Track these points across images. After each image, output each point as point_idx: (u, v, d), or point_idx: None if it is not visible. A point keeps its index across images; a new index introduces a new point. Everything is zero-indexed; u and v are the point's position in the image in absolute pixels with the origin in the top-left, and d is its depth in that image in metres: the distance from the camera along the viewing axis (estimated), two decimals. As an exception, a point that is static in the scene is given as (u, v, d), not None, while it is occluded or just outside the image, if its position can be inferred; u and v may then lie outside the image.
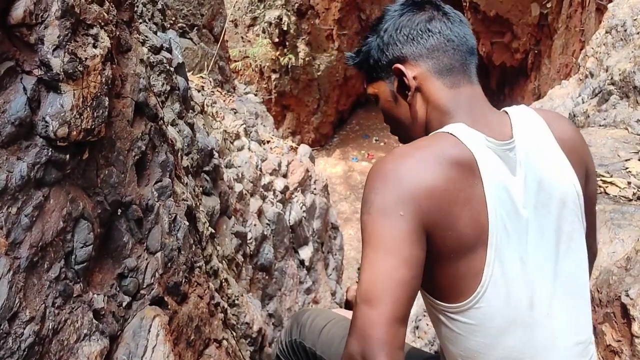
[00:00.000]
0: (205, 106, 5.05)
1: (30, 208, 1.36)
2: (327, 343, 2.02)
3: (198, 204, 3.07)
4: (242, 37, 19.30)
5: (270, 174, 6.38)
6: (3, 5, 1.28)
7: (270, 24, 18.86)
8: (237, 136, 5.86)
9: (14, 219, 1.31)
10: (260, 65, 19.28)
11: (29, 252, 1.35)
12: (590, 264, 1.46)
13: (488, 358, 1.25)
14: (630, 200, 2.20)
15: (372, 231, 1.16)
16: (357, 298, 1.15)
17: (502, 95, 22.80)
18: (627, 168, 2.39)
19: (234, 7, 17.62)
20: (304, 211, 7.11)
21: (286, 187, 6.68)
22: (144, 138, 1.92)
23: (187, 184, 2.64)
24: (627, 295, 1.69)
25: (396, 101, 1.43)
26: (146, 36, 3.02)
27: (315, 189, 7.60)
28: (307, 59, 20.32)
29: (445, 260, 1.21)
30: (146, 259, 1.93)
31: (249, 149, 5.99)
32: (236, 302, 3.39)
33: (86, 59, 1.46)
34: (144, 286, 1.91)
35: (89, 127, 1.49)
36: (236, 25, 19.05)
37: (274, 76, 19.67)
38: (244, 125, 6.21)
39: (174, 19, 6.33)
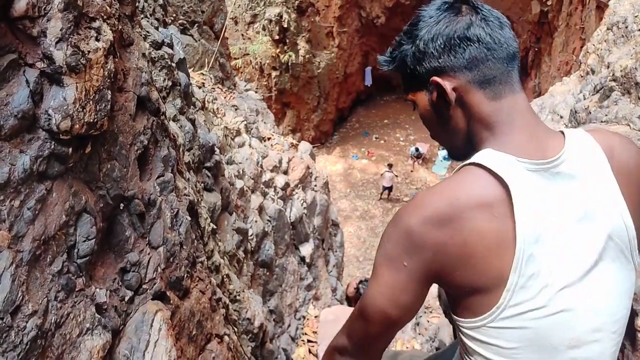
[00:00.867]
0: (206, 102, 5.04)
1: (33, 201, 1.36)
2: None
3: (200, 199, 3.07)
4: (242, 35, 19.28)
5: (271, 171, 6.37)
6: (6, -3, 1.28)
7: (270, 21, 18.84)
8: (238, 133, 5.85)
9: (16, 212, 1.30)
10: (261, 62, 19.26)
11: (32, 246, 1.34)
12: None
13: None
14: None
15: (378, 265, 1.26)
16: (359, 304, 1.33)
17: (503, 93, 22.83)
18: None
19: (234, 4, 17.60)
20: (304, 208, 7.11)
21: (287, 184, 6.67)
22: (146, 132, 1.91)
23: (188, 179, 2.64)
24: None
25: (436, 111, 1.37)
26: (148, 31, 3.02)
27: (315, 185, 7.60)
28: (307, 56, 20.31)
29: (463, 293, 1.21)
30: (148, 254, 1.93)
31: (249, 145, 5.98)
32: (237, 297, 3.39)
33: (89, 52, 1.46)
34: (146, 281, 1.91)
35: (91, 120, 1.49)
36: (236, 23, 19.02)
37: (274, 73, 19.66)
38: (245, 122, 6.21)
39: (174, 15, 6.33)
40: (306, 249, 7.06)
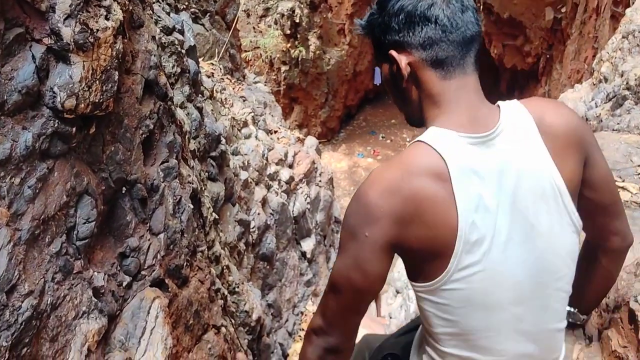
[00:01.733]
0: (214, 92, 5.02)
1: (34, 179, 1.33)
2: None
3: (203, 188, 3.05)
4: (253, 28, 19.25)
5: (276, 164, 6.35)
6: (16, -30, 1.25)
7: (282, 15, 18.80)
8: (245, 124, 5.83)
9: (16, 190, 1.28)
10: (271, 56, 19.23)
11: (31, 225, 1.32)
12: (621, 254, 1.60)
13: (449, 339, 1.38)
14: (642, 205, 2.17)
15: (343, 240, 1.36)
16: (328, 281, 1.42)
17: (512, 98, 22.71)
18: (639, 173, 2.35)
19: (247, -4, 17.58)
20: (308, 203, 7.08)
21: (291, 178, 6.64)
22: (152, 117, 1.89)
23: (193, 167, 2.62)
24: (636, 301, 1.66)
25: (394, 82, 1.45)
26: (159, 16, 2.99)
27: (320, 181, 7.57)
28: (317, 52, 20.26)
29: (416, 261, 1.34)
30: (149, 240, 1.90)
31: (256, 137, 5.96)
32: (236, 289, 3.37)
33: (97, 30, 1.43)
34: (145, 267, 1.89)
35: (97, 100, 1.46)
36: (248, 15, 18.99)
37: (283, 68, 19.62)
38: (252, 114, 6.18)
39: (187, 3, 6.29)
40: (307, 245, 7.03)
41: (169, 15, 3.40)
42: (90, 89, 1.43)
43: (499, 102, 1.41)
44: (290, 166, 6.84)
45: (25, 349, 1.26)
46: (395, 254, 1.35)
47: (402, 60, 1.35)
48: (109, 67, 1.50)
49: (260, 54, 19.00)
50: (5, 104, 1.24)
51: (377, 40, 1.45)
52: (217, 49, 7.00)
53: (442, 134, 1.31)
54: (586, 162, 1.39)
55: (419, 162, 1.29)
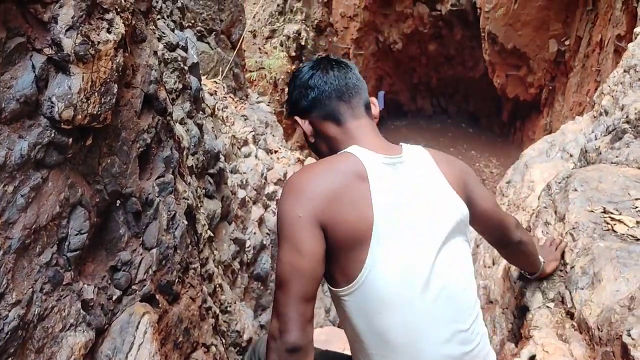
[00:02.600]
0: (216, 110, 5.03)
1: (27, 188, 1.33)
2: None
3: (199, 205, 3.04)
4: (259, 48, 19.38)
5: (275, 184, 6.34)
6: (20, -20, 1.26)
7: (288, 37, 18.94)
8: (245, 142, 5.84)
9: (9, 198, 1.28)
10: (275, 77, 19.35)
11: (22, 234, 1.31)
12: (517, 252, 2.02)
13: (366, 338, 1.53)
14: (638, 239, 2.17)
15: (280, 230, 1.50)
16: (275, 281, 1.50)
17: (513, 129, 22.79)
18: (636, 207, 2.35)
19: (253, 17, 17.72)
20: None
21: (289, 199, 6.64)
22: (150, 131, 1.89)
23: (190, 183, 2.62)
24: (629, 335, 1.64)
25: (307, 140, 1.81)
26: (163, 32, 3.01)
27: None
28: (321, 75, 20.39)
29: (339, 252, 1.49)
30: (141, 254, 1.89)
31: (255, 156, 5.97)
32: (228, 309, 3.34)
33: (99, 43, 1.44)
34: (136, 281, 1.87)
35: (95, 112, 1.46)
36: (255, 36, 19.14)
37: (287, 89, 19.76)
38: (253, 133, 6.20)
39: (193, 21, 6.35)
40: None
41: (174, 32, 3.42)
42: (89, 101, 1.44)
43: (402, 145, 1.69)
44: (289, 187, 6.84)
45: (10, 359, 1.25)
46: None
47: (304, 122, 1.74)
48: (108, 80, 1.50)
49: (265, 75, 19.12)
50: (2, 111, 1.24)
51: (292, 113, 1.82)
52: (221, 68, 7.05)
53: (362, 150, 1.58)
54: (472, 196, 1.71)
55: (345, 163, 1.55)
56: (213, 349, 2.58)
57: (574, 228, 2.27)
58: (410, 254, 1.50)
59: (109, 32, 1.49)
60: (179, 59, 3.10)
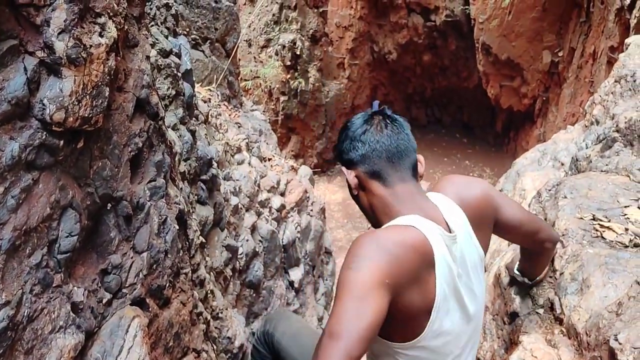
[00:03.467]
0: (209, 117, 5.04)
1: (18, 190, 1.33)
2: (293, 340, 2.76)
3: (191, 211, 3.04)
4: (254, 57, 19.42)
5: (268, 191, 6.34)
6: (13, -18, 1.27)
7: (283, 46, 18.99)
8: (239, 150, 5.84)
9: (-1, 199, 1.28)
10: (270, 86, 19.37)
11: (12, 235, 1.32)
12: (553, 249, 2.16)
13: None
14: (627, 246, 2.18)
15: (350, 284, 1.45)
16: (324, 331, 1.43)
17: (507, 139, 22.86)
18: (625, 214, 2.37)
19: (249, 26, 17.78)
20: (298, 232, 7.05)
21: (282, 206, 6.63)
22: (142, 135, 1.90)
23: (182, 189, 2.62)
24: (616, 340, 1.65)
25: (350, 192, 1.87)
26: (156, 39, 3.02)
27: (312, 210, 7.55)
28: (316, 84, 20.44)
29: (398, 320, 1.57)
30: (131, 258, 1.90)
31: (249, 163, 5.96)
32: (220, 315, 3.34)
33: (91, 46, 1.45)
34: (127, 285, 1.87)
35: (86, 115, 1.47)
36: (250, 45, 19.18)
37: (282, 98, 19.75)
38: (247, 140, 6.20)
39: (187, 29, 6.36)
40: (296, 274, 6.97)
41: (167, 38, 3.43)
42: (80, 103, 1.45)
43: (430, 195, 1.77)
44: (282, 194, 6.83)
45: (-1, 360, 1.25)
46: None
47: (350, 173, 1.80)
48: (100, 83, 1.52)
49: (260, 84, 19.14)
50: (-7, 113, 1.25)
51: (340, 162, 1.88)
52: (215, 76, 7.06)
53: (423, 222, 1.62)
54: (499, 215, 1.83)
55: (414, 240, 1.57)
56: (204, 354, 2.58)
57: (563, 235, 2.28)
58: (458, 325, 1.70)
59: (101, 35, 1.50)
60: (172, 65, 3.11)
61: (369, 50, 23.03)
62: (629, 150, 2.82)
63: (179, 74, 3.26)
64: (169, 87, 3.09)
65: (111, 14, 1.57)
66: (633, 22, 8.79)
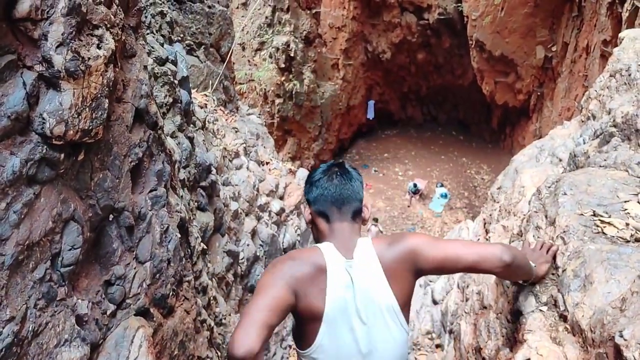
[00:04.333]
0: (206, 123, 5.04)
1: (20, 205, 1.33)
2: None
3: (192, 218, 3.04)
4: (248, 61, 19.42)
5: (267, 195, 6.34)
6: (9, -2, 1.27)
7: (277, 49, 18.99)
8: (237, 155, 5.84)
9: (1, 215, 1.28)
10: (265, 89, 19.37)
11: (15, 250, 1.31)
12: (508, 274, 2.22)
13: None
14: (628, 241, 2.18)
15: (260, 281, 1.87)
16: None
17: (503, 135, 22.90)
18: (625, 209, 2.37)
19: (242, 30, 17.77)
20: (298, 234, 7.05)
21: (282, 209, 6.63)
22: (141, 145, 1.90)
23: (182, 196, 2.62)
24: (621, 336, 1.65)
25: (306, 222, 2.25)
26: (152, 47, 3.02)
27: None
28: (311, 86, 20.45)
29: (301, 320, 1.96)
30: (134, 268, 1.89)
31: (247, 168, 5.96)
32: (223, 321, 3.33)
33: (89, 58, 1.45)
34: (130, 295, 1.87)
35: (86, 127, 1.47)
36: (244, 49, 19.18)
37: (277, 101, 19.75)
38: (244, 145, 6.20)
39: (182, 35, 6.36)
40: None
41: (163, 46, 3.43)
42: (80, 116, 1.44)
43: (360, 239, 2.09)
44: (281, 197, 6.83)
45: (5, 375, 1.25)
46: None
47: (306, 210, 2.18)
48: (99, 95, 1.51)
49: (255, 87, 19.15)
50: (-7, 129, 1.25)
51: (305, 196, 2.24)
52: (211, 81, 7.05)
53: (331, 248, 2.02)
54: (425, 264, 2.04)
55: (314, 256, 1.98)
56: (209, 361, 2.58)
57: (564, 232, 2.28)
58: (347, 350, 2.00)
59: (99, 47, 1.50)
60: (169, 72, 3.11)
61: (362, 50, 23.04)
62: (627, 144, 2.82)
63: (176, 82, 3.26)
64: (166, 95, 3.08)
65: (108, 25, 1.57)
66: (625, 15, 8.81)
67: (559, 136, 4.45)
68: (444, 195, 20.60)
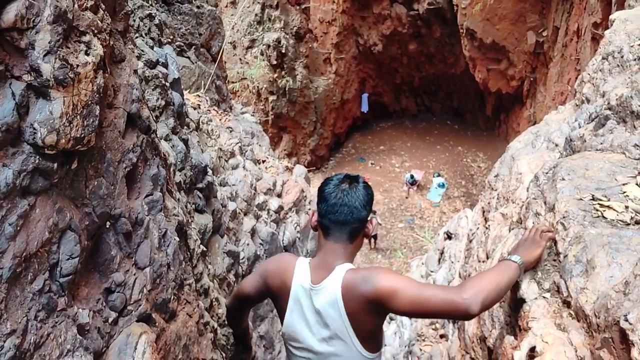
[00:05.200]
0: (200, 124, 5.02)
1: (15, 217, 1.32)
2: None
3: (190, 221, 3.03)
4: (240, 59, 19.40)
5: (265, 194, 6.33)
6: (-6, 8, 1.25)
7: (268, 46, 18.98)
8: (232, 154, 5.82)
9: (-3, 228, 1.27)
10: (258, 86, 19.36)
11: (12, 263, 1.30)
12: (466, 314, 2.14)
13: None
14: (628, 224, 2.18)
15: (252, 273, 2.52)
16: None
17: (498, 122, 22.93)
18: (624, 192, 2.36)
19: (232, 28, 17.74)
20: (298, 232, 7.05)
21: (280, 207, 6.62)
22: (135, 150, 1.88)
23: (179, 199, 2.61)
24: (626, 320, 1.65)
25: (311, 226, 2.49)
26: (142, 50, 3.00)
27: (310, 209, 7.55)
28: (304, 81, 20.45)
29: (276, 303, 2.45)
30: (134, 274, 1.88)
31: (243, 167, 5.95)
32: (226, 322, 3.32)
33: (78, 65, 1.43)
34: (131, 302, 1.86)
35: (78, 135, 1.46)
36: (235, 47, 19.15)
37: (271, 98, 19.76)
38: (240, 144, 6.18)
39: (172, 37, 6.34)
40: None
41: (153, 49, 3.41)
42: (71, 124, 1.43)
43: (337, 267, 2.25)
44: (279, 195, 6.82)
45: (8, 390, 1.24)
46: None
47: (314, 217, 2.38)
48: (90, 102, 1.50)
49: (248, 85, 19.15)
50: (-16, 141, 1.23)
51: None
52: (203, 81, 7.04)
53: (306, 268, 2.32)
54: (391, 310, 2.14)
55: (288, 263, 2.38)
56: (214, 363, 2.57)
57: (564, 217, 2.27)
58: (308, 346, 2.31)
59: (87, 54, 1.49)
60: (160, 75, 3.09)
61: (354, 43, 23.03)
62: (623, 127, 2.82)
63: (167, 84, 3.24)
64: (158, 98, 3.07)
65: (96, 31, 1.55)
66: (615, -3, 8.80)
67: (554, 121, 4.45)
68: (442, 185, 20.64)
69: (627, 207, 2.21)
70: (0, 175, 1.28)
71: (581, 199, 2.33)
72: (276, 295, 2.40)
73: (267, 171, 6.94)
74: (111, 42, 1.72)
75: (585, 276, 2.03)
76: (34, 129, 1.34)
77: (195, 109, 5.48)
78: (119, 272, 1.81)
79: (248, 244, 5.24)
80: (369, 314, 2.19)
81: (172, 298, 2.12)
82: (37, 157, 1.37)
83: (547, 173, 2.67)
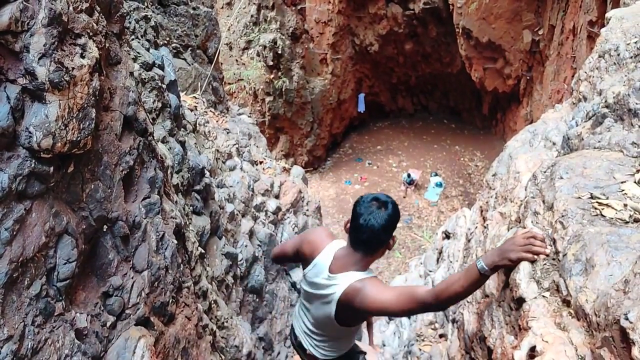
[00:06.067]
0: (197, 125, 5.01)
1: (11, 221, 1.31)
2: None
3: (188, 223, 3.01)
4: (236, 60, 19.36)
5: (263, 195, 6.31)
6: (-13, 11, 1.24)
7: (264, 47, 18.94)
8: (230, 156, 5.81)
9: (-8, 233, 1.26)
10: (254, 87, 19.33)
11: (9, 268, 1.29)
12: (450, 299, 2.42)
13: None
14: (627, 222, 2.17)
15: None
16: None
17: (495, 121, 22.93)
18: (622, 190, 2.36)
19: (228, 29, 17.72)
20: (296, 232, 7.03)
21: (278, 208, 6.60)
22: (132, 153, 1.87)
23: (176, 202, 2.59)
24: (627, 319, 1.64)
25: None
26: (138, 52, 2.99)
27: (307, 210, 7.54)
28: (300, 82, 20.42)
29: (302, 255, 2.84)
30: (132, 278, 1.87)
31: (241, 169, 5.93)
32: (225, 324, 3.31)
33: (73, 68, 1.42)
34: (130, 306, 1.85)
35: (74, 139, 1.45)
36: (231, 48, 19.11)
37: (267, 99, 19.72)
38: (237, 146, 6.17)
39: (168, 39, 6.32)
40: (297, 275, 6.92)
41: (149, 51, 3.40)
42: (67, 128, 1.42)
43: (349, 273, 2.58)
44: (277, 196, 6.81)
45: (5, 396, 1.23)
46: None
47: (347, 226, 2.68)
48: (85, 105, 1.49)
49: (244, 86, 19.10)
50: (-21, 146, 1.22)
51: None
52: (199, 83, 7.02)
53: (334, 250, 2.68)
54: (362, 310, 2.52)
55: (322, 240, 2.78)
56: (213, 366, 2.56)
57: (563, 216, 2.27)
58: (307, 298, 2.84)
59: (82, 57, 1.47)
60: (156, 77, 3.08)
61: (350, 43, 23.00)
62: (620, 125, 2.81)
63: (164, 86, 3.23)
64: (154, 100, 3.05)
65: (91, 33, 1.54)
66: (610, -5, 8.81)
67: (551, 119, 4.44)
68: (439, 184, 20.63)
69: (625, 205, 2.21)
70: (-4, 180, 1.26)
71: (580, 198, 2.32)
72: (304, 259, 2.83)
73: (264, 172, 6.92)
74: (107, 45, 1.71)
75: (584, 275, 2.02)
76: (30, 132, 1.33)
77: (192, 110, 5.46)
78: (117, 275, 1.80)
79: (246, 246, 5.22)
80: (356, 320, 2.80)
81: (170, 301, 2.10)
82: (33, 161, 1.36)
83: (545, 172, 2.67)
